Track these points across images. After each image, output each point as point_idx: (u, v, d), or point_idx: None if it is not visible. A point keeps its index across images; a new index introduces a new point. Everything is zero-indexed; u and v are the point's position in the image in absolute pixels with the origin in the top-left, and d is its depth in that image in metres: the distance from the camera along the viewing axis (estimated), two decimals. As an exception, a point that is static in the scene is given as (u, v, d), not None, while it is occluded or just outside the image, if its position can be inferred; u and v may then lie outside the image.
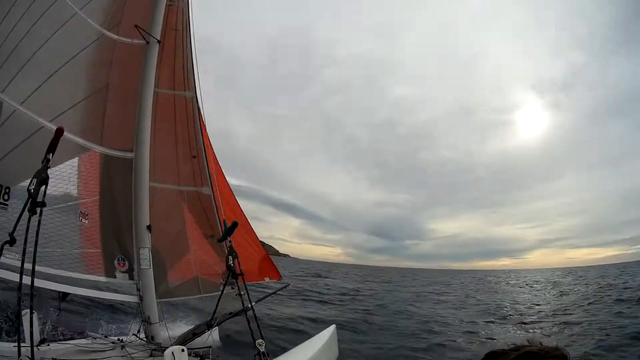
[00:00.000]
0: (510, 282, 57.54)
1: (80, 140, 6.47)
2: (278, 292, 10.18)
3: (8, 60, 5.49)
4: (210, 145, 9.23)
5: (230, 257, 6.66)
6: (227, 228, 6.91)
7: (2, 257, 4.52)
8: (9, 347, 6.14)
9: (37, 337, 6.51)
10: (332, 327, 10.40)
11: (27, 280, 4.55)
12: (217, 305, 6.74)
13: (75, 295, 6.62)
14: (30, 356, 3.93)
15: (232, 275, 6.57)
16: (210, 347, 7.01)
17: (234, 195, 9.77)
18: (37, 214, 4.00)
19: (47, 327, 6.90)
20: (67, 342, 7.16)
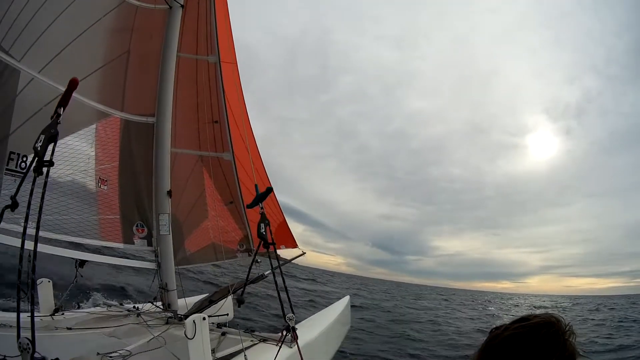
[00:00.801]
0: (514, 303, 57.52)
1: (100, 107, 6.52)
2: (294, 260, 10.18)
3: (26, 29, 5.48)
4: (245, 110, 9.25)
5: (262, 225, 6.39)
6: (260, 194, 6.65)
7: (13, 224, 4.56)
8: (24, 317, 6.27)
9: (51, 307, 6.65)
10: (347, 298, 10.53)
11: (41, 248, 4.60)
12: (248, 272, 6.64)
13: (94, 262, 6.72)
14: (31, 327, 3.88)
15: (264, 244, 6.40)
16: (227, 314, 7.05)
17: (261, 160, 9.67)
18: (44, 175, 3.77)
19: (62, 296, 6.98)
20: (82, 310, 7.29)
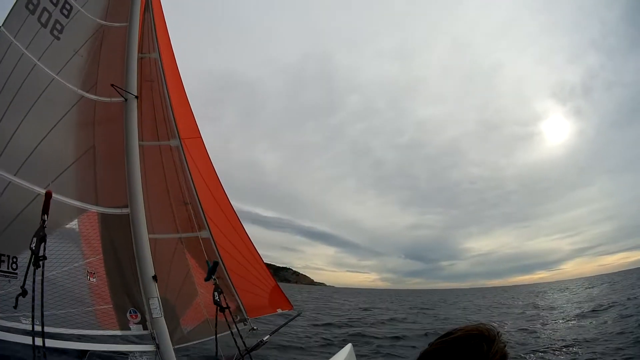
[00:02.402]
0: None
1: (76, 203, 6.86)
2: (290, 322, 10.51)
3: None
4: (219, 183, 9.91)
5: (216, 294, 7.46)
6: (210, 268, 7.66)
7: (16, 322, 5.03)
8: None
9: None
10: (349, 346, 10.68)
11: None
12: (215, 340, 7.33)
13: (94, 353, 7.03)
14: None
15: (220, 309, 7.13)
16: None
17: (243, 227, 10.18)
18: (41, 267, 4.58)
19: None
20: None
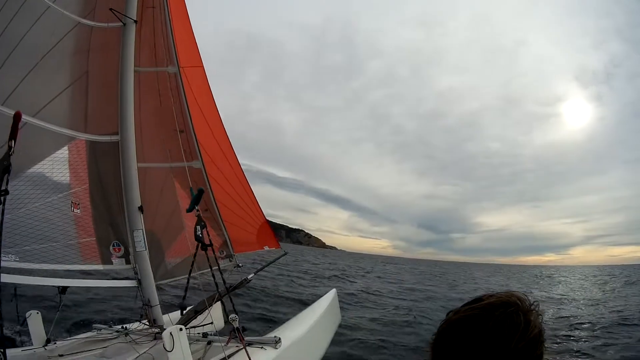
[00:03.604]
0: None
1: (64, 131, 6.76)
2: (276, 262, 10.56)
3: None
4: (217, 114, 9.81)
5: (198, 227, 7.02)
6: (194, 196, 7.21)
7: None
8: (17, 352, 6.66)
9: (43, 338, 7.03)
10: (333, 291, 10.81)
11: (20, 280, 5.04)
12: (188, 280, 7.34)
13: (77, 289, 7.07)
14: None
15: (202, 246, 6.92)
16: (212, 322, 7.40)
17: (237, 159, 10.19)
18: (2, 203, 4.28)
19: (51, 327, 7.32)
20: (73, 337, 7.66)
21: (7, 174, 4.34)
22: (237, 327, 6.36)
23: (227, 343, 6.58)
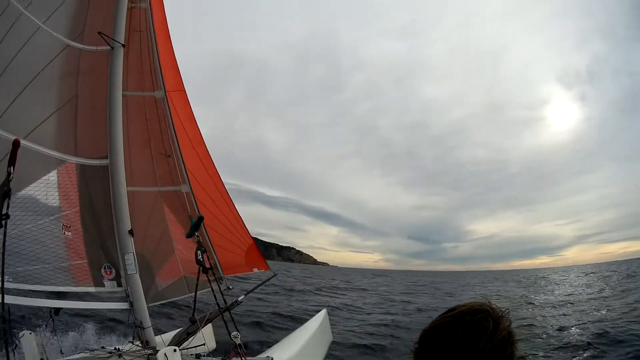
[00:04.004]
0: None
1: (55, 154, 6.82)
2: (266, 283, 10.69)
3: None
4: (201, 137, 9.92)
5: (199, 252, 7.22)
6: (193, 224, 7.42)
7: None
8: None
9: (37, 358, 7.04)
10: (323, 311, 10.92)
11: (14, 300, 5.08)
12: (194, 300, 7.37)
13: (68, 311, 7.08)
14: None
15: (203, 269, 7.10)
16: (204, 344, 7.47)
17: (222, 182, 10.31)
18: (2, 227, 4.42)
19: (45, 347, 7.32)
20: (67, 358, 7.67)
21: (7, 199, 4.46)
22: (239, 344, 6.49)
23: None
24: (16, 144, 4.77)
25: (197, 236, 7.40)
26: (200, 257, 7.21)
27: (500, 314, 1.51)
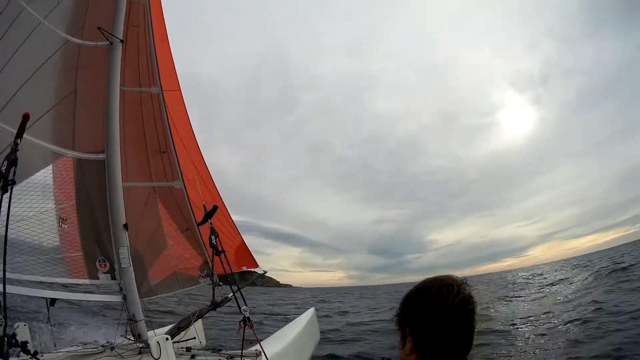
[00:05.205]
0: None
1: (53, 147, 7.01)
2: (256, 280, 10.90)
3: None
4: (194, 137, 10.21)
5: (213, 237, 7.53)
6: (207, 212, 7.76)
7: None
8: None
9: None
10: (312, 309, 11.08)
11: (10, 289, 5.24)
12: (212, 285, 7.73)
13: (61, 304, 7.20)
14: None
15: (216, 252, 7.35)
16: (195, 337, 7.63)
17: (213, 181, 10.63)
18: (9, 192, 4.71)
19: (39, 339, 7.43)
20: (59, 351, 7.77)
21: (14, 167, 4.75)
22: (247, 317, 6.75)
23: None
24: (25, 117, 5.06)
25: (211, 223, 7.70)
26: (214, 241, 7.53)
27: (461, 281, 1.97)
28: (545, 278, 49.58)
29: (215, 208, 7.85)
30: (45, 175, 7.04)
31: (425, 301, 1.94)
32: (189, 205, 9.00)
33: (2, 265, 4.63)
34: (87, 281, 7.20)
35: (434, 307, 1.90)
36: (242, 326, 6.82)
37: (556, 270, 65.14)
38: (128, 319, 7.38)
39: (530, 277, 59.55)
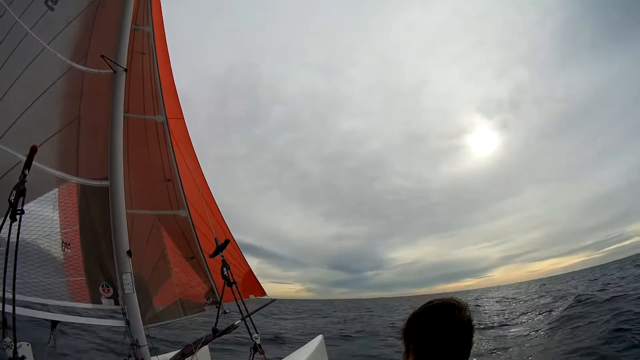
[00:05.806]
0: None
1: (57, 173, 7.09)
2: (264, 308, 10.91)
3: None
4: (199, 165, 10.21)
5: (225, 269, 8.06)
6: (219, 245, 8.19)
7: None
8: None
9: None
10: (320, 337, 10.97)
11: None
12: (217, 314, 8.26)
13: (65, 326, 7.27)
14: None
15: (227, 283, 7.87)
16: None
17: (220, 212, 10.61)
18: (17, 221, 4.86)
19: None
20: None
21: (22, 197, 4.90)
22: (258, 344, 7.22)
23: None
24: (33, 150, 5.24)
25: (222, 256, 8.17)
26: (226, 272, 8.10)
27: (462, 305, 2.25)
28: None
29: (226, 242, 8.32)
30: (49, 199, 7.13)
31: (428, 322, 2.26)
32: (194, 234, 9.08)
33: (9, 289, 4.77)
34: (89, 305, 7.23)
35: (436, 329, 2.20)
36: (253, 353, 6.97)
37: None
38: (131, 344, 7.45)
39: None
